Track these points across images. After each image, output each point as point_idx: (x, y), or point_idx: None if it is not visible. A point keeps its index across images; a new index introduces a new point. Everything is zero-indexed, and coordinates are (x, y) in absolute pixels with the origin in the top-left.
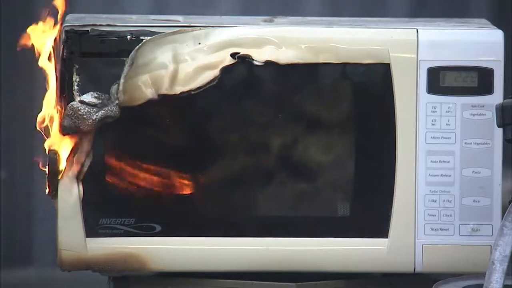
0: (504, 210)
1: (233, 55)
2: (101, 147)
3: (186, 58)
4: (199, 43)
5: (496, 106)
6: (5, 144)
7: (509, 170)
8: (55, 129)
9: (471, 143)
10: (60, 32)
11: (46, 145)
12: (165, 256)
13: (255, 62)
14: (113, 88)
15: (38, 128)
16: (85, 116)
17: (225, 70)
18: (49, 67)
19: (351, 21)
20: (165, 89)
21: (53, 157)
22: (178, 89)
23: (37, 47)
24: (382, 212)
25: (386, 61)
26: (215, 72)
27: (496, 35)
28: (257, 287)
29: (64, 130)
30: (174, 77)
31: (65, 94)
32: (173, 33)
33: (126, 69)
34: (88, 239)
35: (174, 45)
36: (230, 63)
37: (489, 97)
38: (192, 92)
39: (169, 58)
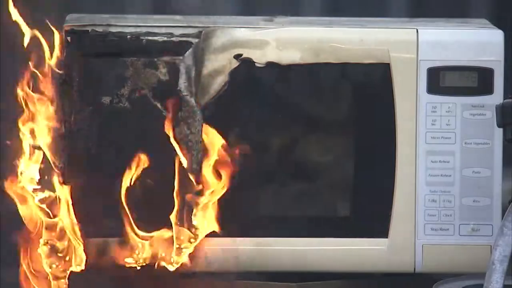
0: (504, 210)
1: (236, 57)
2: (101, 148)
3: (196, 68)
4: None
5: (496, 106)
6: (5, 144)
7: (509, 170)
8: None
9: (471, 143)
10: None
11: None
12: None
13: (257, 64)
14: None
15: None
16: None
17: (232, 73)
18: None
19: (351, 21)
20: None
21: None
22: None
23: None
24: (382, 212)
25: (386, 61)
26: (224, 78)
27: (496, 35)
28: (257, 287)
29: None
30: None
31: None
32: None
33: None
34: (88, 239)
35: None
36: (236, 65)
37: (489, 97)
38: (208, 102)
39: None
